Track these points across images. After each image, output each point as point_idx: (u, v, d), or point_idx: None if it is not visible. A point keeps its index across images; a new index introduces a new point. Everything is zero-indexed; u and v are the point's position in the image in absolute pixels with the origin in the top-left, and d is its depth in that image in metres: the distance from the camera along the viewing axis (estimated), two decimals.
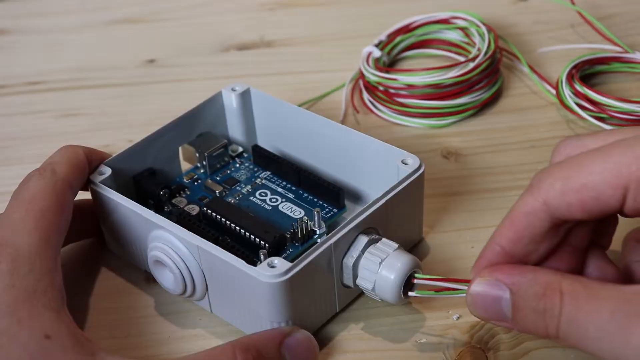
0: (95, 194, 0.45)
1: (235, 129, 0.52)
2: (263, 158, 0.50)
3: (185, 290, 0.42)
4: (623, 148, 0.33)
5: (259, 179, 0.49)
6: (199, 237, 0.41)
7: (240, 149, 0.52)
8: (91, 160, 0.45)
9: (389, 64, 0.61)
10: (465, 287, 0.37)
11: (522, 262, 0.37)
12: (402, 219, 0.44)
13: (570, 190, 0.34)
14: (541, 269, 0.35)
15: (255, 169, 0.50)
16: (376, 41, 0.60)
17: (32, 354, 0.36)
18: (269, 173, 0.50)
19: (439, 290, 0.39)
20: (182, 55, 0.66)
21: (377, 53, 0.59)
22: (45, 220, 0.40)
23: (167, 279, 0.43)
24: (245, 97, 0.51)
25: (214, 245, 0.40)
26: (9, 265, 0.38)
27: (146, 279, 0.46)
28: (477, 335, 0.42)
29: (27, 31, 0.71)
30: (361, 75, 0.59)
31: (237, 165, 0.51)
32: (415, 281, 0.40)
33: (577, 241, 0.37)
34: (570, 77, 0.56)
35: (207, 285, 0.42)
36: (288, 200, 0.48)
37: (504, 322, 0.36)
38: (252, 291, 0.39)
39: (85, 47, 0.68)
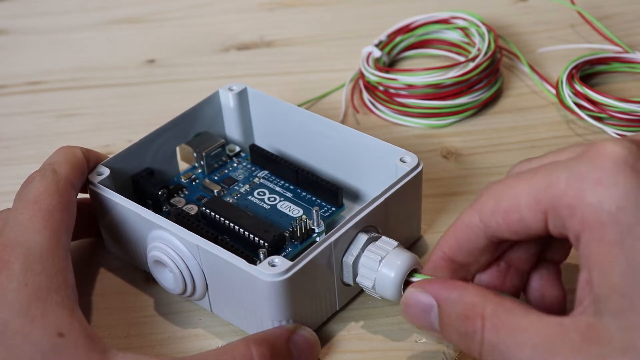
0: (93, 194, 0.45)
1: (232, 129, 0.52)
2: (261, 157, 0.50)
3: (185, 290, 0.42)
4: (545, 172, 0.33)
5: (256, 178, 0.49)
6: (198, 236, 0.41)
7: (238, 149, 0.52)
8: (88, 160, 0.45)
9: (389, 64, 0.61)
10: None
11: (464, 269, 0.37)
12: (401, 216, 0.44)
13: (499, 210, 0.34)
14: (470, 286, 0.35)
15: (253, 169, 0.50)
16: (376, 41, 0.60)
17: (44, 353, 0.36)
18: (266, 172, 0.50)
19: None
20: (182, 55, 0.66)
21: (377, 53, 0.59)
22: (53, 219, 0.40)
23: (167, 278, 0.42)
24: (242, 97, 0.51)
25: (214, 244, 0.40)
26: (22, 264, 0.38)
27: (146, 279, 0.46)
28: None
29: (27, 31, 0.71)
30: (361, 75, 0.59)
31: (235, 164, 0.51)
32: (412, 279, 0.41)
33: (519, 263, 0.38)
34: (570, 77, 0.56)
35: (207, 284, 0.42)
36: (286, 199, 0.48)
37: (435, 332, 0.36)
38: (253, 290, 0.39)
39: (85, 47, 0.68)
